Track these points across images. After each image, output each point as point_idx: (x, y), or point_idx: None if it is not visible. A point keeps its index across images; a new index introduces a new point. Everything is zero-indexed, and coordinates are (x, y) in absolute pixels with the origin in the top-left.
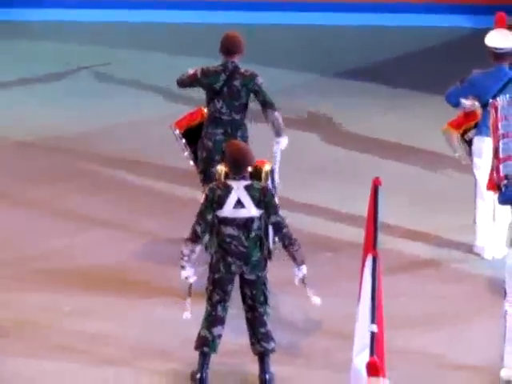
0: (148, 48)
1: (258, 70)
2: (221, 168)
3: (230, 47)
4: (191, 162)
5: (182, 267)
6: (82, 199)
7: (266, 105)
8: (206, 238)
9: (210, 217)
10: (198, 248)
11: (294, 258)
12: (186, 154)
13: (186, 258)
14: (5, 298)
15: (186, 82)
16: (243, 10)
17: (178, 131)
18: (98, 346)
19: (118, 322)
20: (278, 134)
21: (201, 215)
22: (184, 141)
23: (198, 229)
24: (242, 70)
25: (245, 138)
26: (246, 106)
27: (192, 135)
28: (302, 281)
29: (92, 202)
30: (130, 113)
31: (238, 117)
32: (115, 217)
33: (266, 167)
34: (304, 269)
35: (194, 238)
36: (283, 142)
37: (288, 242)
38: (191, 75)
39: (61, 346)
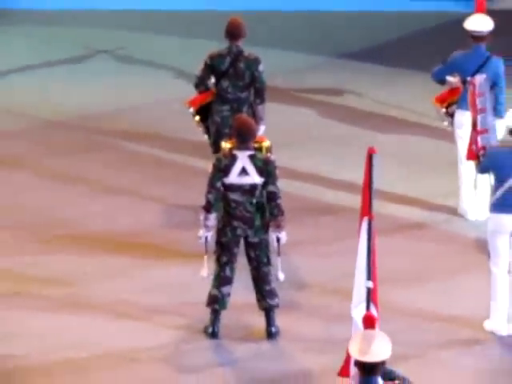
0: (161, 33)
1: (265, 52)
2: (225, 144)
3: (233, 32)
4: (205, 136)
5: (201, 230)
6: (101, 171)
7: (258, 94)
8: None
9: (218, 184)
10: (213, 216)
11: (278, 226)
12: (200, 128)
13: (202, 223)
14: (32, 259)
15: (201, 77)
16: None
17: (192, 109)
18: (117, 304)
19: (134, 282)
20: (257, 123)
21: (210, 184)
22: (198, 117)
23: (210, 197)
24: (246, 54)
25: (249, 114)
26: (249, 85)
27: (204, 112)
28: (278, 252)
29: (111, 173)
30: (147, 92)
31: (242, 95)
32: (132, 186)
33: (266, 143)
34: (284, 236)
35: (208, 207)
36: (260, 129)
37: (277, 213)
38: (202, 67)
39: (83, 303)
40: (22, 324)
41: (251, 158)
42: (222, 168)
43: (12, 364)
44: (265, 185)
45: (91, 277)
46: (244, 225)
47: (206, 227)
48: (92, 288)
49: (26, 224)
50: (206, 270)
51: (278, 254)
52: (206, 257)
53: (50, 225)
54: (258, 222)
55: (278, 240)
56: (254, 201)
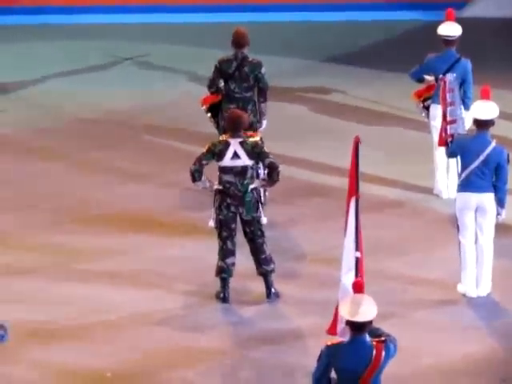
0: (177, 43)
1: (266, 58)
2: (222, 137)
3: (239, 41)
4: (216, 129)
5: (198, 185)
6: (127, 161)
7: (261, 93)
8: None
9: (204, 162)
10: (201, 181)
11: (271, 185)
12: (212, 123)
13: (200, 187)
14: (67, 236)
15: (213, 79)
16: (250, 12)
17: (204, 107)
18: (140, 274)
19: (156, 256)
20: (260, 119)
21: (198, 159)
22: (209, 114)
23: (192, 168)
24: (250, 59)
25: (254, 111)
26: (253, 85)
27: (215, 109)
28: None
29: (135, 163)
30: (166, 93)
31: (247, 94)
32: (153, 172)
33: (256, 138)
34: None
35: (192, 178)
36: (263, 123)
37: (276, 178)
38: (213, 71)
39: (112, 273)
40: (60, 292)
41: (241, 143)
42: (217, 152)
43: (53, 326)
44: (262, 161)
45: (118, 251)
46: (235, 202)
47: (205, 186)
48: (119, 260)
49: (62, 207)
50: (213, 221)
51: (264, 203)
52: (213, 209)
53: (83, 207)
54: (248, 199)
55: (265, 192)
56: (245, 182)
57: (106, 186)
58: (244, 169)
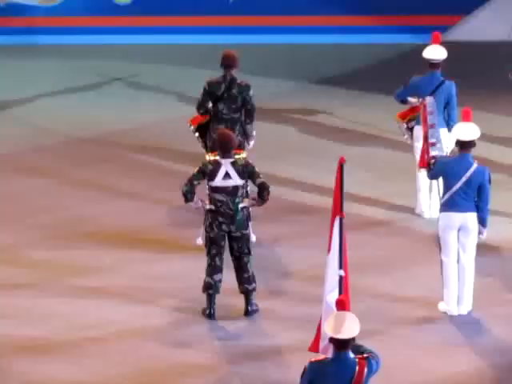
0: (166, 63)
1: (252, 79)
2: (208, 157)
3: (228, 63)
4: (203, 149)
5: (191, 205)
6: (116, 178)
7: (248, 114)
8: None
9: (196, 183)
10: (193, 201)
11: (264, 201)
12: (199, 143)
13: (193, 207)
14: (57, 252)
15: (202, 101)
16: (240, 34)
17: (192, 127)
18: (129, 290)
19: (143, 272)
20: (247, 139)
21: (190, 180)
22: (197, 134)
23: (185, 189)
24: (239, 81)
25: (241, 132)
26: (241, 107)
27: (203, 129)
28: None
29: (124, 181)
30: (155, 112)
31: (235, 115)
32: (142, 191)
33: (243, 154)
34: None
35: (185, 198)
36: (250, 144)
37: (266, 197)
38: (202, 93)
39: (100, 289)
40: (48, 307)
41: (233, 164)
42: (208, 173)
43: (40, 341)
44: (253, 181)
45: (107, 267)
46: (226, 220)
47: (197, 206)
48: (107, 277)
49: (52, 223)
50: (202, 239)
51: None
52: (203, 227)
53: (72, 224)
54: (239, 218)
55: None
56: (236, 200)
57: (95, 202)
58: (235, 188)
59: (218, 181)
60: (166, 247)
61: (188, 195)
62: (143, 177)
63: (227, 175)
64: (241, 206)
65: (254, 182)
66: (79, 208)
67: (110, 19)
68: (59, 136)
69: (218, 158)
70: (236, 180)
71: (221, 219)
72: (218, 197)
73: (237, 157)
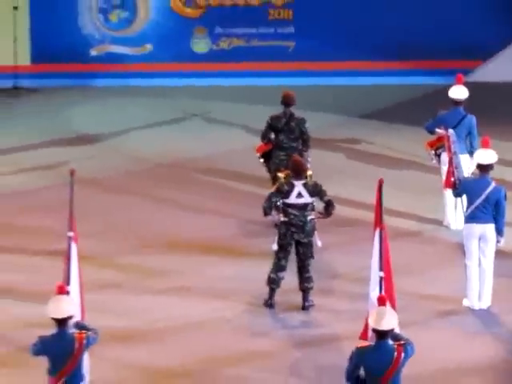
0: (235, 101)
1: (306, 113)
2: (280, 175)
3: (287, 101)
4: (267, 173)
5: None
6: (192, 197)
7: (304, 143)
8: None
9: (274, 200)
10: (271, 215)
11: (329, 215)
12: (264, 167)
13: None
14: (136, 257)
15: (265, 132)
16: (296, 77)
17: (258, 154)
18: (205, 289)
19: (216, 274)
20: None
21: (269, 198)
22: (262, 160)
23: (265, 205)
24: (296, 116)
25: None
26: (299, 137)
27: (267, 156)
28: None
29: (199, 199)
30: (226, 142)
31: (294, 144)
32: (215, 207)
33: (310, 172)
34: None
35: (264, 213)
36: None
37: (332, 211)
38: (265, 126)
39: (177, 288)
40: (137, 303)
41: (304, 185)
42: (284, 192)
43: (130, 331)
44: (321, 198)
45: (184, 270)
46: (298, 230)
47: (273, 219)
48: (186, 278)
49: (139, 234)
50: (276, 245)
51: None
52: (277, 236)
53: (156, 235)
54: (307, 228)
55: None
56: (306, 213)
57: (174, 217)
58: (306, 204)
59: (292, 199)
60: (235, 253)
61: (268, 210)
62: (214, 196)
63: (300, 194)
64: (309, 218)
65: (321, 199)
66: (161, 222)
67: (190, 65)
68: (145, 162)
69: (292, 180)
70: (307, 198)
71: (293, 229)
72: (292, 211)
73: (309, 172)
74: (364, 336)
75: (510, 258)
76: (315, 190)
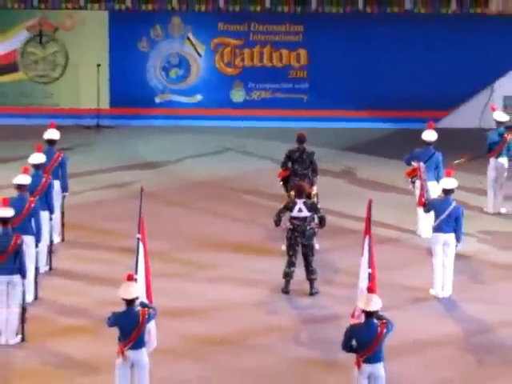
0: (262, 139)
1: (313, 148)
2: (291, 193)
3: (301, 139)
4: (285, 193)
5: (278, 227)
6: (225, 208)
7: (313, 171)
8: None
9: (282, 214)
10: (279, 226)
11: (322, 226)
12: (284, 188)
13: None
14: (188, 254)
15: (284, 162)
16: (309, 121)
17: (279, 178)
18: (240, 278)
19: (249, 267)
20: (312, 186)
21: (278, 213)
22: (281, 183)
23: (275, 218)
24: (307, 150)
25: (311, 182)
26: (308, 166)
27: (286, 180)
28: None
29: (231, 209)
30: (255, 169)
31: (305, 172)
32: (247, 217)
33: (314, 191)
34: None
35: (275, 223)
36: (314, 189)
37: (324, 224)
38: (284, 157)
39: (221, 278)
40: (192, 289)
41: (304, 203)
42: (289, 208)
43: (186, 309)
44: (315, 214)
45: (224, 265)
46: (300, 235)
47: (282, 227)
48: (226, 271)
49: (188, 235)
50: (285, 246)
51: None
52: (286, 239)
53: (201, 237)
54: (307, 234)
55: (315, 230)
56: (306, 223)
57: (214, 224)
58: (305, 217)
59: (295, 213)
60: (262, 252)
61: (277, 222)
62: (246, 207)
63: (300, 210)
64: (308, 227)
65: (316, 214)
66: (204, 227)
67: (229, 110)
68: (194, 182)
69: (295, 199)
70: (306, 213)
71: (296, 234)
72: (295, 222)
73: (314, 192)
74: (353, 316)
75: (465, 259)
76: (312, 207)
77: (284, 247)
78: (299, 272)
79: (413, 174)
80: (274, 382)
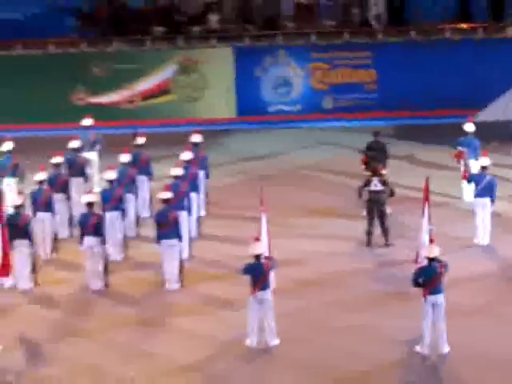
0: (345, 134)
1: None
2: (369, 174)
3: (375, 133)
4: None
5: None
6: (321, 185)
7: (385, 158)
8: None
9: (363, 188)
10: (361, 196)
11: (392, 196)
12: (364, 170)
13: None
14: (298, 221)
15: (365, 150)
16: (379, 120)
17: (361, 163)
18: (330, 234)
19: (338, 228)
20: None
21: (361, 186)
22: (363, 166)
23: (358, 191)
24: (381, 141)
25: (383, 164)
26: (382, 153)
27: (366, 164)
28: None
29: (325, 186)
30: (340, 156)
31: (379, 157)
32: (331, 189)
33: (384, 172)
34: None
35: (358, 195)
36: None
37: (393, 195)
38: (365, 147)
39: (320, 236)
40: (290, 245)
41: (378, 180)
42: (367, 184)
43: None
44: (387, 187)
45: (320, 225)
46: (376, 203)
47: (363, 198)
48: (319, 228)
49: (291, 206)
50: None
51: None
52: (365, 207)
53: (303, 207)
54: (381, 202)
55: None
56: (380, 195)
57: (313, 197)
58: (379, 190)
59: (372, 187)
60: (348, 217)
61: (360, 194)
62: (336, 184)
63: (375, 185)
64: (382, 197)
65: (387, 187)
66: (305, 200)
67: (320, 115)
68: (294, 166)
69: (371, 177)
70: (379, 187)
71: (373, 202)
72: (372, 194)
73: (384, 172)
74: (415, 261)
75: (498, 216)
76: (384, 183)
77: (364, 212)
78: (376, 230)
79: (458, 156)
80: (356, 310)
